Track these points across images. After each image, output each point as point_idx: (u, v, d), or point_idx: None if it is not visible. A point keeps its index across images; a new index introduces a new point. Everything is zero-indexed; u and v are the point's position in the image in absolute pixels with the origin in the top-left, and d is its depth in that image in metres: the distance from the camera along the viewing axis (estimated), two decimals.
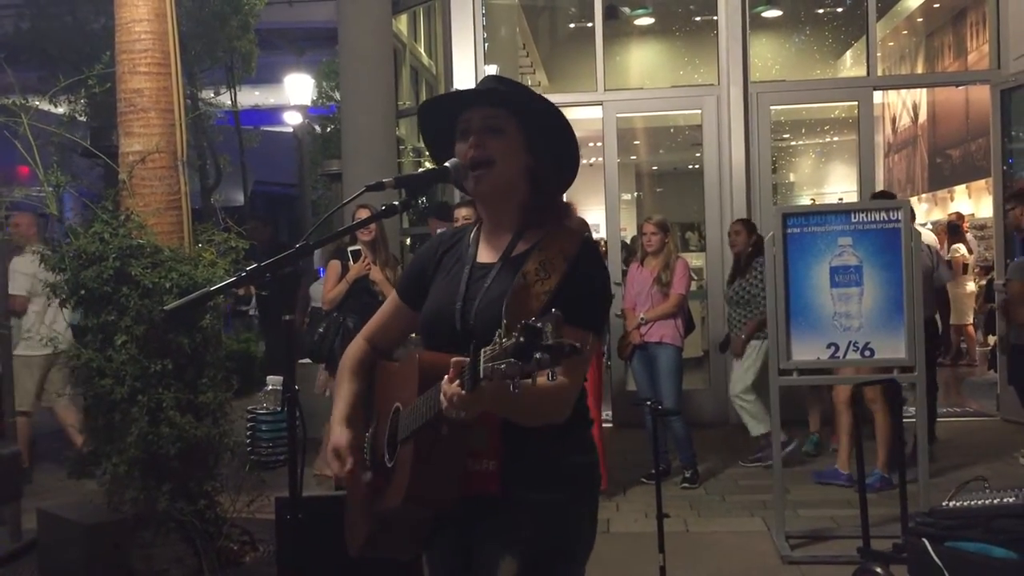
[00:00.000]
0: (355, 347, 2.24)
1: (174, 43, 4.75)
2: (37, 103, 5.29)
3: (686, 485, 6.07)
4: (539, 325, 1.51)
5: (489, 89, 2.07)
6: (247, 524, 4.79)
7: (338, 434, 2.09)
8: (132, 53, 4.63)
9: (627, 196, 14.67)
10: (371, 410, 2.16)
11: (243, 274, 1.98)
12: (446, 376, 1.71)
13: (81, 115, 10.31)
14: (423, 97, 10.03)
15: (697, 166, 10.96)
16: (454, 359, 1.70)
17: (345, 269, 5.82)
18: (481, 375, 1.60)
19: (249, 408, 6.96)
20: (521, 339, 1.51)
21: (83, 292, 4.41)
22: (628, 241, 11.24)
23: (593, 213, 10.28)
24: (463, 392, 1.67)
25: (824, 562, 4.61)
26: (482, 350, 1.61)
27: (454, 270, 2.10)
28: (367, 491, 2.08)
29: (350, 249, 5.83)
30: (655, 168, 17.05)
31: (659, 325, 6.15)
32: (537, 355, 1.50)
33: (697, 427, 6.95)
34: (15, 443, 5.48)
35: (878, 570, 3.96)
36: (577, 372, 1.89)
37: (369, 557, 2.11)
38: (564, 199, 2.13)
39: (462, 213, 5.54)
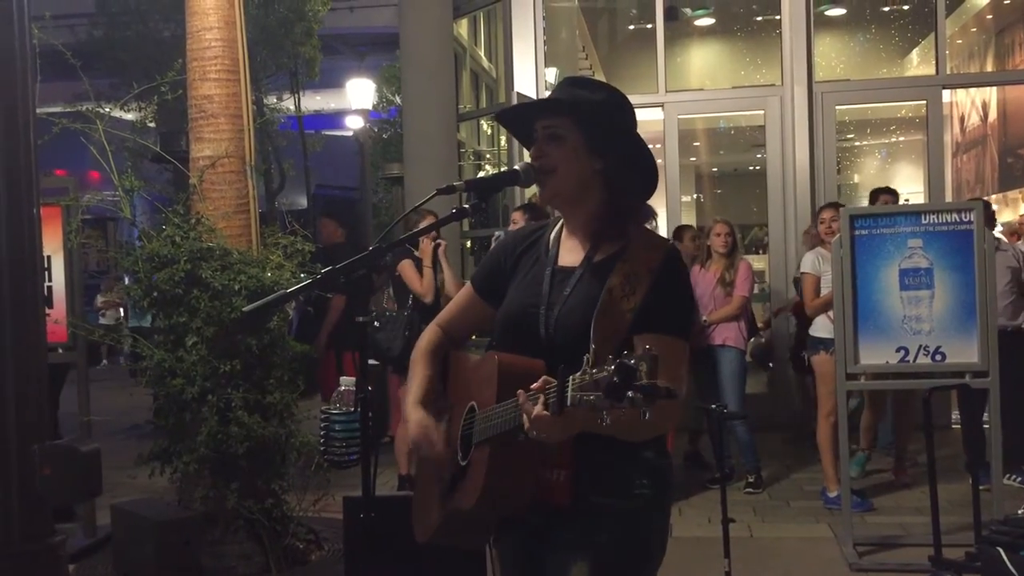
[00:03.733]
0: (430, 332, 2.25)
1: (243, 50, 4.84)
2: (109, 109, 5.43)
3: (750, 490, 6.00)
4: (633, 363, 1.48)
5: (545, 100, 2.11)
6: (312, 523, 4.86)
7: (419, 417, 2.08)
8: (203, 60, 4.73)
9: (687, 198, 14.53)
10: (443, 398, 2.16)
11: (319, 276, 2.01)
12: (528, 392, 1.70)
13: (150, 121, 10.59)
14: (483, 101, 10.09)
15: (758, 167, 10.83)
16: (543, 377, 1.69)
17: (417, 262, 5.79)
18: (568, 403, 1.58)
19: (323, 408, 7.08)
20: (615, 379, 1.49)
21: (155, 294, 4.53)
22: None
23: None
24: (548, 415, 1.66)
25: (894, 570, 4.53)
26: (570, 377, 1.59)
27: (533, 270, 2.09)
28: (440, 482, 2.10)
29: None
30: (715, 169, 16.88)
31: (722, 327, 6.10)
32: (630, 394, 1.48)
33: (760, 431, 6.86)
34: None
35: None
36: (679, 385, 1.87)
37: (436, 552, 2.15)
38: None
39: (517, 217, 5.56)
